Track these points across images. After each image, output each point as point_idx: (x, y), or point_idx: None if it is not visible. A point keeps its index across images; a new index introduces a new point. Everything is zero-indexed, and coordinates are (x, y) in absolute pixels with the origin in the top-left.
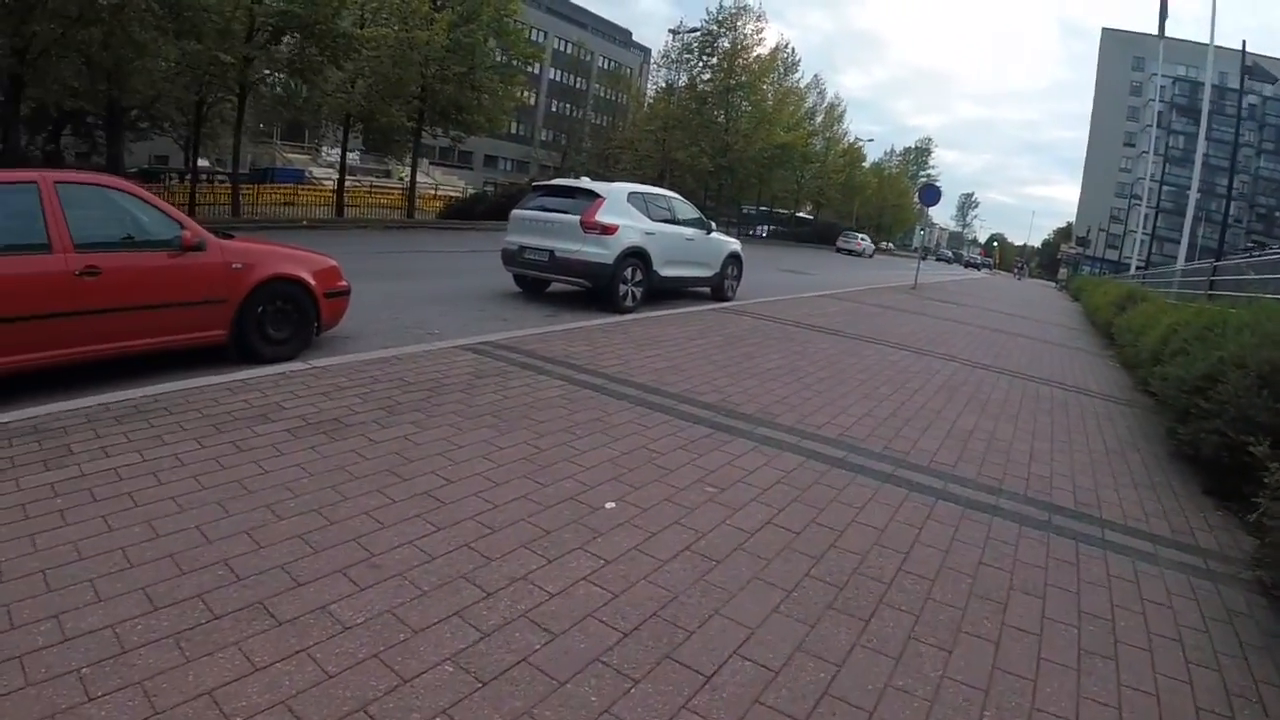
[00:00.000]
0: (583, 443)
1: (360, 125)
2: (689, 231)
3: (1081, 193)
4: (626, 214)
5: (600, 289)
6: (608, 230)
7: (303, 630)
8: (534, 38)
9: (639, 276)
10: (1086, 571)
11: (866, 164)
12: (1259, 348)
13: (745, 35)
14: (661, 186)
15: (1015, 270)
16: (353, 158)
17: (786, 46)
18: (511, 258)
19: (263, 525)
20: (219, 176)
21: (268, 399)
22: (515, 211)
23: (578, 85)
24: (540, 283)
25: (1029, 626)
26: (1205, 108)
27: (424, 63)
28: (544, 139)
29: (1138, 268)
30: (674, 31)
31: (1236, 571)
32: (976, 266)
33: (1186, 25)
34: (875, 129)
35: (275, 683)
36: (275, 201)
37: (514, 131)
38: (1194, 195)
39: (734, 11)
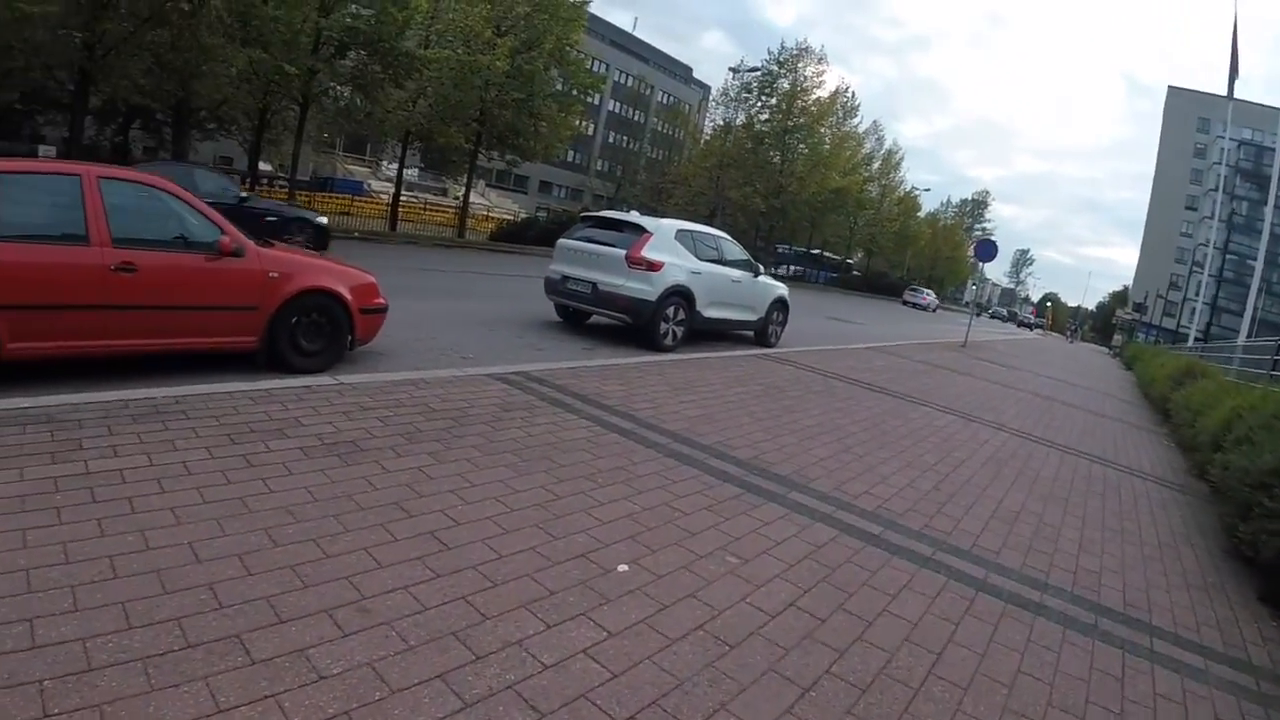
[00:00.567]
0: (603, 493)
1: (419, 143)
2: (736, 273)
3: (1140, 256)
4: (673, 251)
5: (641, 326)
6: (653, 266)
7: (276, 674)
8: (595, 68)
9: (681, 316)
10: (1131, 688)
11: (921, 213)
12: None
13: (805, 77)
14: (713, 225)
15: (1067, 333)
16: (411, 174)
17: (847, 90)
18: (554, 286)
19: (256, 550)
20: (279, 181)
21: (288, 412)
22: (561, 240)
23: (636, 118)
24: (581, 314)
25: None
26: (1276, 174)
27: (484, 86)
28: (599, 169)
29: (1196, 338)
30: (734, 70)
31: None
32: (1030, 326)
33: (1255, 86)
34: (933, 178)
35: None
36: (331, 210)
37: (570, 159)
38: (1259, 266)
39: (795, 53)
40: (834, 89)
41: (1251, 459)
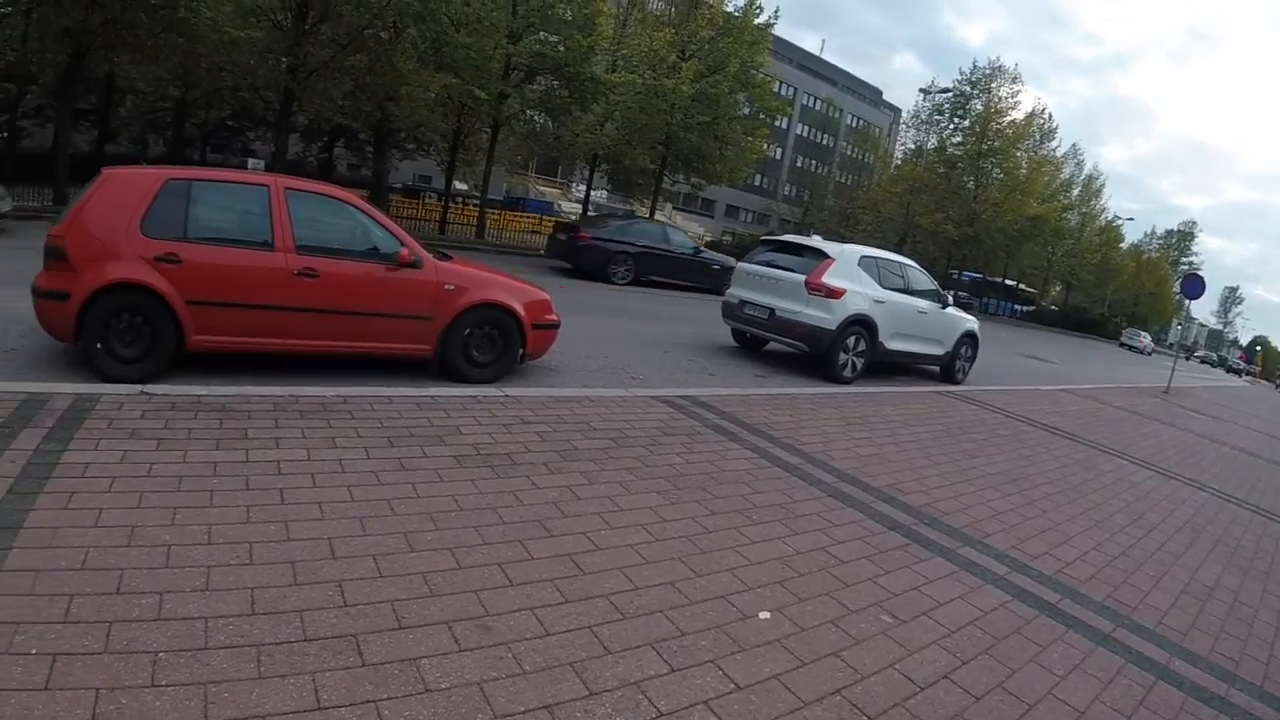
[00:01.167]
0: (755, 531)
1: (606, 165)
2: (922, 304)
3: None
4: (856, 278)
5: (818, 355)
6: (834, 294)
7: (383, 679)
8: (782, 92)
9: (862, 346)
10: None
11: (1124, 245)
12: None
13: (999, 98)
14: (902, 252)
15: (1278, 381)
16: (599, 196)
17: (1043, 112)
18: (731, 311)
19: (392, 553)
20: (472, 200)
21: (449, 420)
22: (740, 265)
23: (825, 141)
24: (758, 341)
25: None
26: None
27: (669, 110)
28: (787, 193)
29: None
30: (924, 91)
31: None
32: (1238, 372)
33: None
34: (1134, 207)
35: None
36: (520, 229)
37: (758, 183)
38: None
39: (988, 73)
40: (1029, 110)
41: None
